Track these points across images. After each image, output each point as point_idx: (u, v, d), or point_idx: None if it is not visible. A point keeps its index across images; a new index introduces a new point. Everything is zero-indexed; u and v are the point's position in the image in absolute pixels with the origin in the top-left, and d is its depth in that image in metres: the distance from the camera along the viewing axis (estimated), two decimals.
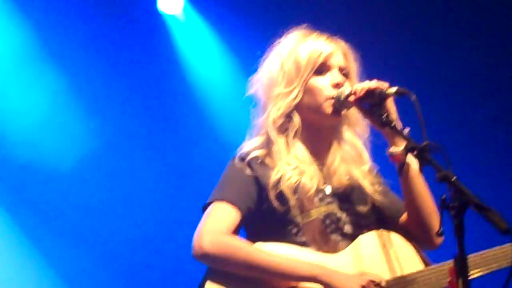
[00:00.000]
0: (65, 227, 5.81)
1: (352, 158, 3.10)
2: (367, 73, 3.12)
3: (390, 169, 3.08)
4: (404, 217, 3.09)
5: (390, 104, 2.91)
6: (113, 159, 5.81)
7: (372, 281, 2.85)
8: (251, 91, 3.15)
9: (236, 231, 2.93)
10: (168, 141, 5.87)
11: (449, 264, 2.86)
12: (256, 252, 2.83)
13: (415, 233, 3.03)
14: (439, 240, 3.02)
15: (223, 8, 5.87)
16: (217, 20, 5.91)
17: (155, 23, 5.82)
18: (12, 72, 5.67)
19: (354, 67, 3.10)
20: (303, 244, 2.91)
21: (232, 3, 5.88)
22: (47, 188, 5.76)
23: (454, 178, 2.39)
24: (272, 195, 2.92)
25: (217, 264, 2.84)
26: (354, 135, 3.13)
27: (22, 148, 5.69)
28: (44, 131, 5.70)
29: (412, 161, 2.90)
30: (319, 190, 2.99)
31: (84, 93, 5.78)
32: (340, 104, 2.98)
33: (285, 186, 2.93)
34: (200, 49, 5.93)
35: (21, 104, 5.71)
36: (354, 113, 3.09)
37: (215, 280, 2.84)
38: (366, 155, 3.12)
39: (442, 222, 2.49)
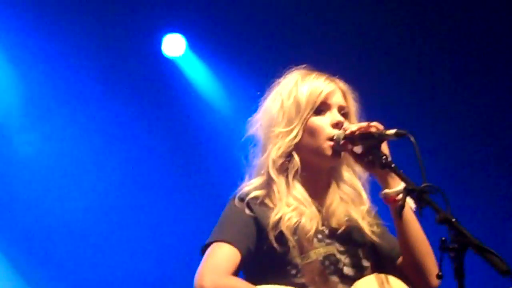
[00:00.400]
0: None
1: (351, 198, 3.09)
2: (366, 115, 3.13)
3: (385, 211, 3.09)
4: (400, 259, 3.08)
5: (385, 147, 2.92)
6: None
7: None
8: (250, 131, 3.15)
9: (236, 272, 2.90)
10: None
11: None
12: None
13: (411, 275, 3.01)
14: (436, 283, 3.00)
15: (221, 51, 6.21)
16: (216, 62, 6.33)
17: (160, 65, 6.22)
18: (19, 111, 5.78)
19: (353, 107, 3.11)
20: (302, 285, 2.88)
21: (230, 46, 6.21)
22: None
23: (453, 220, 2.40)
24: (271, 235, 2.90)
25: None
26: (353, 175, 3.11)
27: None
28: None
29: (408, 203, 2.88)
30: (318, 231, 2.97)
31: (96, 133, 5.96)
32: (339, 146, 2.98)
33: (284, 227, 2.91)
34: (199, 88, 6.36)
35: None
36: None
37: None
38: (365, 196, 3.11)
39: (442, 264, 2.49)
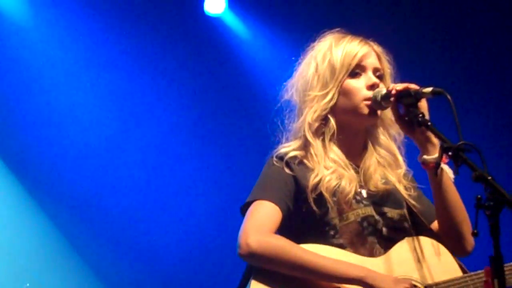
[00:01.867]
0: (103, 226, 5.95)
1: (388, 162, 3.11)
2: (400, 77, 3.13)
3: (422, 175, 3.09)
4: (435, 224, 3.09)
5: (424, 105, 2.91)
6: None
7: (415, 286, 2.84)
8: (286, 96, 3.16)
9: (277, 230, 2.93)
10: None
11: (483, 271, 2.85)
12: (303, 253, 2.83)
13: (446, 241, 3.03)
14: (470, 248, 3.02)
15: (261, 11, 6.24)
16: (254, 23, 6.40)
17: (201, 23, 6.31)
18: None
19: (388, 69, 3.11)
20: (340, 246, 2.92)
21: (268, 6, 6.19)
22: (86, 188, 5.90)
23: (490, 178, 2.40)
24: (310, 197, 2.93)
25: (264, 264, 2.84)
26: (389, 138, 3.13)
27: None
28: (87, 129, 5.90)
29: (445, 168, 2.90)
30: (356, 193, 3.00)
31: (132, 93, 6.06)
32: (377, 105, 2.98)
33: (324, 189, 2.94)
34: (237, 48, 6.45)
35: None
36: (388, 116, 3.08)
37: (260, 279, 2.83)
38: (401, 159, 3.12)
39: (477, 222, 2.50)
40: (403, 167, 3.12)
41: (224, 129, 6.28)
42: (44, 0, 5.99)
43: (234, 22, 6.45)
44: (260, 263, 2.84)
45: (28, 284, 5.73)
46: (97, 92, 6.10)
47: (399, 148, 3.13)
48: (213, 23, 6.40)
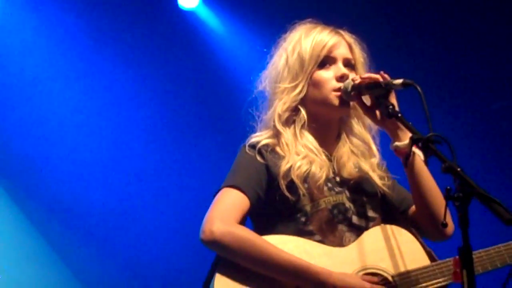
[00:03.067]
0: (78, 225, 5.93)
1: (361, 151, 3.11)
2: (375, 67, 3.12)
3: (396, 164, 3.10)
4: (412, 210, 3.10)
5: (393, 97, 2.92)
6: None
7: (373, 283, 2.84)
8: (260, 87, 3.16)
9: (244, 218, 2.93)
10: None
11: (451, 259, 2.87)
12: (269, 248, 2.82)
13: (425, 225, 3.04)
14: (449, 231, 3.03)
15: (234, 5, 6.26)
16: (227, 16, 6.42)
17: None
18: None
19: (360, 58, 3.10)
20: (309, 233, 2.92)
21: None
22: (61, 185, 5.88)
23: (459, 169, 2.41)
24: (282, 184, 2.93)
25: (225, 253, 2.83)
26: (363, 128, 3.13)
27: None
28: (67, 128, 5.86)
29: (418, 154, 2.90)
30: (328, 180, 3.00)
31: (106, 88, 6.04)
32: (348, 96, 2.98)
33: (295, 176, 2.94)
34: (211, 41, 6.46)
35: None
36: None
37: (224, 272, 2.83)
38: (375, 149, 3.13)
39: (446, 213, 2.51)
40: (377, 157, 3.13)
41: (199, 122, 6.27)
42: None
43: (208, 16, 6.46)
44: (221, 252, 2.84)
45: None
46: (73, 87, 6.04)
47: (373, 137, 3.13)
48: (187, 17, 6.40)
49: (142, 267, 6.11)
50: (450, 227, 3.03)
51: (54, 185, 5.97)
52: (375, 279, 2.87)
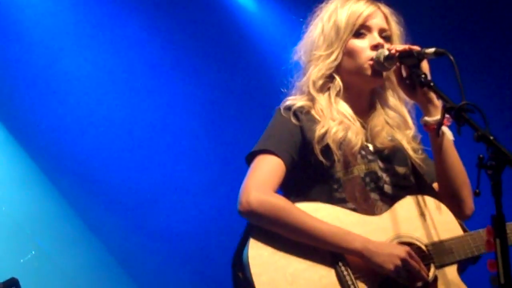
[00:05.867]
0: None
1: (397, 123, 3.12)
2: (409, 39, 3.11)
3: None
4: (435, 185, 3.10)
5: (426, 67, 2.91)
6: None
7: (410, 251, 2.83)
8: (295, 57, 3.18)
9: (281, 183, 2.94)
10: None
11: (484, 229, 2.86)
12: (303, 216, 2.84)
13: (445, 203, 3.03)
14: (469, 211, 3.03)
15: None
16: None
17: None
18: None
19: (396, 30, 3.10)
20: (342, 200, 2.93)
21: None
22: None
23: (492, 138, 2.39)
24: (317, 148, 2.93)
25: (263, 223, 2.84)
26: (399, 100, 3.13)
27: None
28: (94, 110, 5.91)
29: (445, 131, 2.91)
30: (362, 148, 3.01)
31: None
32: (380, 66, 2.98)
33: (331, 140, 2.95)
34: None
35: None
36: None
37: (259, 238, 2.83)
38: (410, 121, 3.13)
39: (479, 181, 2.49)
40: (412, 129, 3.13)
41: (236, 103, 6.28)
42: None
43: None
44: (259, 222, 2.85)
45: (33, 252, 5.77)
46: (105, 63, 6.08)
47: (409, 111, 3.13)
48: None
49: (175, 243, 6.16)
50: (470, 208, 3.03)
51: (81, 158, 6.03)
52: (410, 248, 2.86)
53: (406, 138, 3.10)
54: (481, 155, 2.37)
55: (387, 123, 3.10)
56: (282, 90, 3.14)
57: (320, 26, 3.11)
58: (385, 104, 3.14)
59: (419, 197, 3.00)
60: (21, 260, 5.72)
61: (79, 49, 5.97)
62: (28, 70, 5.90)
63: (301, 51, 3.16)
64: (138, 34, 6.13)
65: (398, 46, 2.95)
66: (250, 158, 2.97)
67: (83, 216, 6.11)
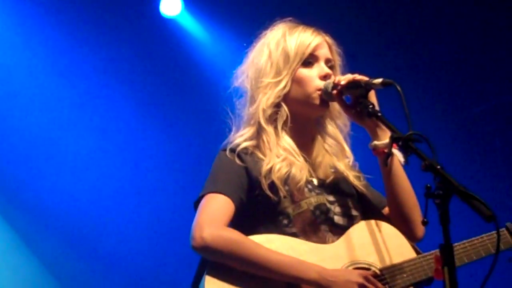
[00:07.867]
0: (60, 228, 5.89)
1: (335, 151, 3.14)
2: (348, 69, 3.14)
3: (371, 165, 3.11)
4: (385, 210, 3.12)
5: (373, 97, 2.94)
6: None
7: (367, 275, 2.84)
8: (236, 83, 3.16)
9: (231, 222, 2.91)
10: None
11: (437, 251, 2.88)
12: (257, 248, 2.81)
13: (396, 226, 3.04)
14: (421, 233, 3.05)
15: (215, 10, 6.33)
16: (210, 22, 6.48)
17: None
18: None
19: (338, 61, 3.14)
20: (293, 235, 2.91)
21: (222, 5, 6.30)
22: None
23: (439, 167, 2.42)
24: (264, 184, 2.92)
25: (217, 257, 2.81)
26: (336, 128, 3.15)
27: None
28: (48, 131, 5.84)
29: (395, 153, 2.92)
30: (308, 181, 3.01)
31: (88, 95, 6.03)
32: (328, 96, 3.00)
33: (275, 177, 2.94)
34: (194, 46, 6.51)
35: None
36: (336, 107, 3.11)
37: (214, 274, 2.80)
38: (347, 149, 3.15)
39: (427, 210, 2.52)
40: (350, 157, 3.15)
41: (180, 128, 6.30)
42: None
43: (190, 24, 6.50)
44: (213, 257, 2.82)
45: None
46: (50, 91, 6.03)
47: (345, 139, 3.15)
48: (169, 25, 6.45)
49: (121, 268, 6.09)
50: (421, 230, 3.05)
51: (29, 186, 5.96)
52: (367, 272, 2.87)
53: (346, 166, 3.11)
54: (428, 185, 2.39)
55: (327, 151, 3.12)
56: (226, 120, 3.12)
57: (266, 52, 3.10)
58: (324, 132, 3.16)
59: (371, 222, 3.01)
60: None
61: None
62: None
63: (243, 76, 3.14)
64: (84, 65, 6.10)
65: (344, 77, 2.97)
66: (198, 203, 2.93)
67: (31, 246, 6.02)
